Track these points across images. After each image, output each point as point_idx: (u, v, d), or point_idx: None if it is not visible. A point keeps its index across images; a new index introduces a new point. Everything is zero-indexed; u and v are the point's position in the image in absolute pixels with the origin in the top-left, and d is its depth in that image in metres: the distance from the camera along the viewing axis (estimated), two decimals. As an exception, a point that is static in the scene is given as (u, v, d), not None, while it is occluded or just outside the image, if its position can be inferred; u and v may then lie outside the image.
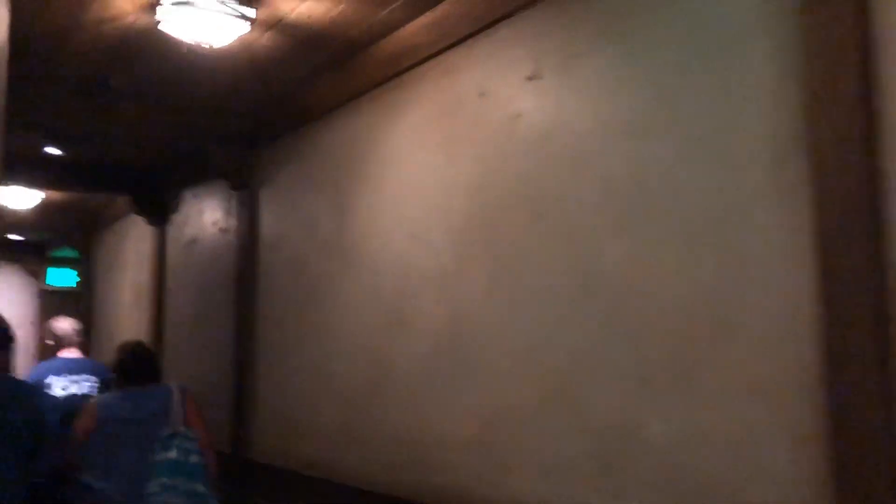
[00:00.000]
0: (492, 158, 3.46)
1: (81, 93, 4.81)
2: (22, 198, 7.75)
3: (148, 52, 4.12)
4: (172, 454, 3.75)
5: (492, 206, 3.43)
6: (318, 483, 4.54)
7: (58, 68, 4.50)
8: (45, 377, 4.78)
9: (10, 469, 2.98)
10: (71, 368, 4.89)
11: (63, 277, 12.15)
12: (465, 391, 3.49)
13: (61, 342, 4.99)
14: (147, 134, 5.70)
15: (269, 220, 5.42)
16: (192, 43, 3.74)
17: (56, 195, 8.36)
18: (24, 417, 3.06)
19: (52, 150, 6.32)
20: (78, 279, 11.56)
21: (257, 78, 4.58)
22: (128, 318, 8.14)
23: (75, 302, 10.64)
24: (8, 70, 2.73)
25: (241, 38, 3.81)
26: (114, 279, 8.78)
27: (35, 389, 3.99)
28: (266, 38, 4.03)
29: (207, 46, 3.74)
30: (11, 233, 11.54)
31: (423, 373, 3.75)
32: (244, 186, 5.60)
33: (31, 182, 7.22)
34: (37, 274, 12.71)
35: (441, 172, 3.77)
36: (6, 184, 7.54)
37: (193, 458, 3.74)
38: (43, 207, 8.71)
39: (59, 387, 4.79)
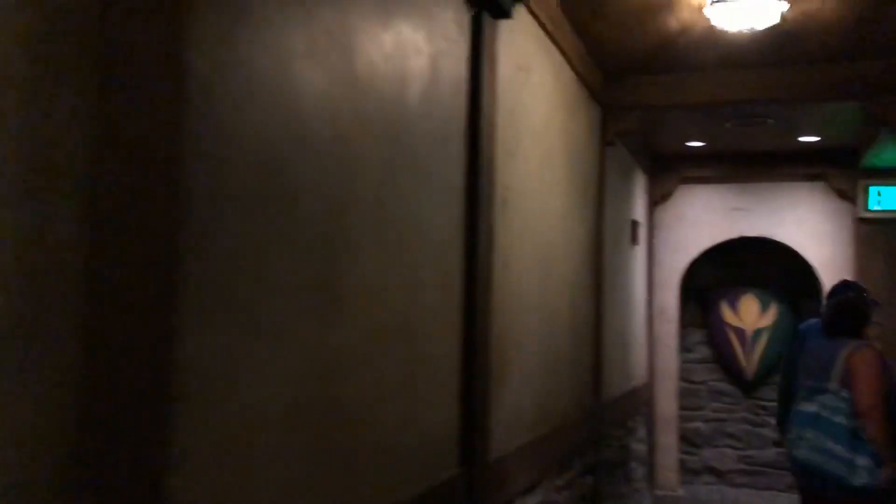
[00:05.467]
0: None
1: None
2: (746, 14, 4.35)
3: None
4: (812, 408, 4.13)
5: None
6: None
7: None
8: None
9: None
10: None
11: (889, 197, 8.32)
12: None
13: None
14: None
15: None
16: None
17: (809, 11, 4.56)
18: None
19: None
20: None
21: None
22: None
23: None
24: None
25: None
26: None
27: None
28: None
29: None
30: (803, 133, 8.14)
31: None
32: None
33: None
34: (846, 194, 9.05)
35: None
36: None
37: (837, 418, 3.98)
38: (790, 38, 5.00)
39: None
